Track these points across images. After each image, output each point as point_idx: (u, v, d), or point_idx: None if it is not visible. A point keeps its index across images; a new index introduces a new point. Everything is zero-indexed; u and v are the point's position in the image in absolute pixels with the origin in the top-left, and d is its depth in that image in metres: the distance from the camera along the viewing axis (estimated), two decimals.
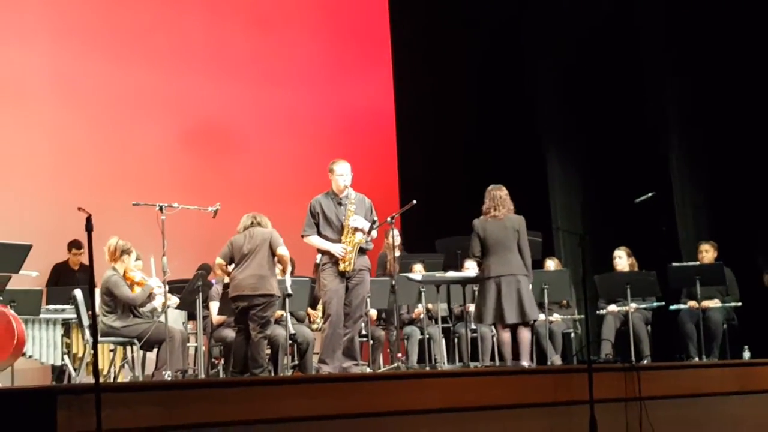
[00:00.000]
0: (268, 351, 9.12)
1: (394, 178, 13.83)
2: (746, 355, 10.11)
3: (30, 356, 9.54)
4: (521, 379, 7.39)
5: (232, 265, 8.81)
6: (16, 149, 11.42)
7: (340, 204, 8.76)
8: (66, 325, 9.83)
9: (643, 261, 10.70)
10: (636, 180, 11.71)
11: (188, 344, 9.77)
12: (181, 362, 8.97)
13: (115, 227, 9.00)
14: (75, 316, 9.37)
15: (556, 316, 10.83)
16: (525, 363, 8.77)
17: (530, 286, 9.03)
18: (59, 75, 11.85)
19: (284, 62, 13.47)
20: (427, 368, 9.78)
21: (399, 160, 14.04)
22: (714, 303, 10.40)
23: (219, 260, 8.84)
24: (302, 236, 8.85)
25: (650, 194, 10.30)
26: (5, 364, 8.86)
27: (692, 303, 10.37)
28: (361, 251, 8.75)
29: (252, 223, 8.81)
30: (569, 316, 10.99)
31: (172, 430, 5.66)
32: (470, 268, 10.53)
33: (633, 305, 10.19)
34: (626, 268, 10.60)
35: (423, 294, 10.07)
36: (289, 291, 8.97)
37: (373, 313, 10.39)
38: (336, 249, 8.60)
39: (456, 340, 10.81)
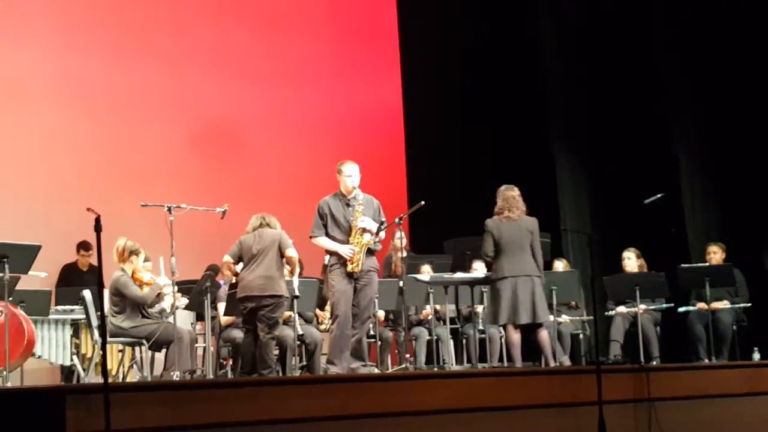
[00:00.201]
0: (277, 352, 9.12)
1: (403, 179, 13.82)
2: (756, 356, 10.08)
3: (39, 356, 9.58)
4: (529, 380, 7.38)
5: (240, 265, 8.81)
6: (25, 150, 11.44)
7: (348, 205, 8.75)
8: (75, 325, 9.86)
9: (652, 262, 10.68)
10: (645, 181, 11.69)
11: (196, 345, 9.78)
12: (190, 363, 8.98)
13: (123, 228, 9.01)
14: (84, 316, 9.39)
15: (564, 318, 10.82)
16: (564, 359, 9.03)
17: (542, 288, 9.03)
18: (68, 76, 11.87)
19: (293, 62, 13.47)
20: (435, 369, 9.77)
21: (407, 161, 14.03)
22: (723, 304, 10.38)
23: (227, 258, 8.85)
24: (310, 237, 8.85)
25: (659, 195, 10.29)
26: (15, 364, 8.89)
27: (701, 304, 10.34)
28: (369, 252, 8.74)
29: (261, 223, 8.83)
30: (578, 318, 10.98)
31: (181, 430, 5.67)
32: (478, 269, 10.53)
33: (642, 306, 10.17)
34: (635, 270, 10.58)
35: (431, 295, 10.06)
36: (296, 293, 8.97)
37: (381, 314, 10.39)
38: (344, 250, 8.59)
39: (464, 341, 10.80)
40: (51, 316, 9.67)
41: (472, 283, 9.82)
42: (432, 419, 6.64)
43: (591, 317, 10.69)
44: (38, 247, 8.32)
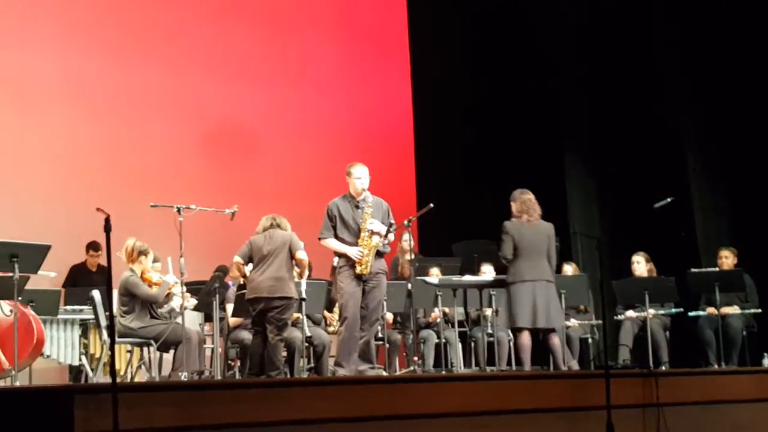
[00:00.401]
0: (285, 353, 9.12)
1: (412, 181, 13.81)
2: (766, 362, 10.05)
3: (48, 356, 9.60)
4: (538, 383, 7.36)
5: (250, 265, 8.81)
6: (35, 151, 11.47)
7: (357, 207, 8.75)
8: (84, 325, 9.88)
9: (661, 266, 10.65)
10: (654, 184, 11.66)
11: (205, 346, 9.79)
12: (198, 364, 8.99)
13: (133, 228, 9.02)
14: (93, 316, 9.40)
15: (573, 322, 10.79)
16: (573, 363, 9.01)
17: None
18: (76, 78, 11.88)
19: (302, 65, 13.48)
20: (443, 372, 9.76)
21: (416, 164, 14.02)
22: (733, 309, 10.34)
23: (237, 258, 8.86)
24: (319, 239, 8.85)
25: (669, 199, 10.25)
26: (24, 364, 8.92)
27: (711, 309, 10.31)
28: (378, 254, 8.74)
29: (272, 224, 8.83)
30: (587, 322, 10.95)
31: (188, 430, 5.67)
32: (487, 272, 10.53)
33: (651, 311, 10.14)
34: (644, 274, 10.55)
35: (440, 298, 10.04)
36: (303, 295, 8.96)
37: (390, 316, 10.38)
38: (353, 252, 8.60)
39: (472, 344, 10.78)
40: (60, 316, 9.70)
41: (481, 286, 9.82)
42: (440, 422, 6.64)
43: (600, 321, 10.67)
44: (48, 247, 8.33)
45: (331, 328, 10.06)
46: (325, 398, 6.28)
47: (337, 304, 9.31)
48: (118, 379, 8.51)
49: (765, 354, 10.11)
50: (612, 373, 7.09)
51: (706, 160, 12.33)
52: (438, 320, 10.44)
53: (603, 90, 12.92)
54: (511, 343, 10.67)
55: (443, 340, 10.50)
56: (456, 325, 10.33)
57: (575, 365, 10.45)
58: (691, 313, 10.52)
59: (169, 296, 9.08)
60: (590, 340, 11.03)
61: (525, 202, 8.99)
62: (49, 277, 9.42)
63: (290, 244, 8.70)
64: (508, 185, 11.59)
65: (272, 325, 8.61)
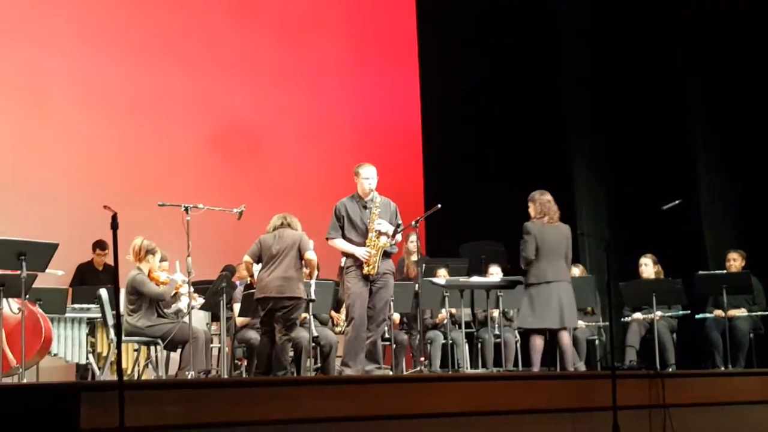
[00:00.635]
0: (291, 353, 9.13)
1: (419, 182, 13.82)
2: None
3: (55, 354, 9.62)
4: (544, 384, 7.36)
5: (259, 265, 8.83)
6: (44, 150, 11.50)
7: (365, 207, 8.75)
8: (91, 324, 9.90)
9: (669, 269, 10.64)
10: (663, 187, 11.65)
11: (212, 345, 9.80)
12: (205, 363, 9.00)
13: (140, 227, 9.02)
14: (100, 315, 9.42)
15: (580, 323, 10.77)
16: (580, 364, 9.13)
17: None
18: (85, 76, 11.91)
19: (311, 65, 13.49)
20: (450, 373, 9.76)
21: (424, 164, 14.03)
22: (741, 312, 10.34)
23: (247, 258, 8.88)
24: (327, 239, 8.86)
25: (677, 201, 10.25)
26: (31, 362, 8.94)
27: (719, 312, 10.30)
28: (386, 255, 8.74)
29: (282, 223, 8.83)
30: (594, 323, 10.94)
31: (194, 428, 5.67)
32: (494, 273, 10.53)
33: (658, 313, 10.14)
34: (652, 276, 10.55)
35: (447, 299, 10.04)
36: (312, 296, 8.95)
37: (397, 316, 10.39)
38: (360, 252, 8.60)
39: (479, 345, 10.77)
40: (67, 315, 9.71)
41: (488, 287, 9.83)
42: (445, 422, 6.63)
43: (607, 323, 10.67)
44: (56, 245, 8.35)
45: (338, 329, 10.06)
46: (331, 397, 6.28)
47: (344, 305, 9.31)
48: (125, 378, 8.53)
49: None
50: (618, 374, 7.09)
51: (715, 162, 12.31)
52: (445, 321, 10.44)
53: (612, 91, 12.89)
54: (518, 345, 10.70)
55: (450, 341, 10.49)
56: (463, 326, 10.33)
57: (582, 366, 10.44)
58: (698, 316, 10.52)
59: (176, 296, 9.09)
60: (597, 342, 11.03)
61: (544, 203, 9.03)
62: (56, 275, 9.43)
63: (299, 244, 8.70)
64: (517, 186, 11.60)
65: (280, 324, 8.62)
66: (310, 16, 13.64)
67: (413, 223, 9.17)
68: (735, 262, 10.55)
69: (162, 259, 9.11)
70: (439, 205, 9.06)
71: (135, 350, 9.75)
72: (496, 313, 10.45)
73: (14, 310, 8.56)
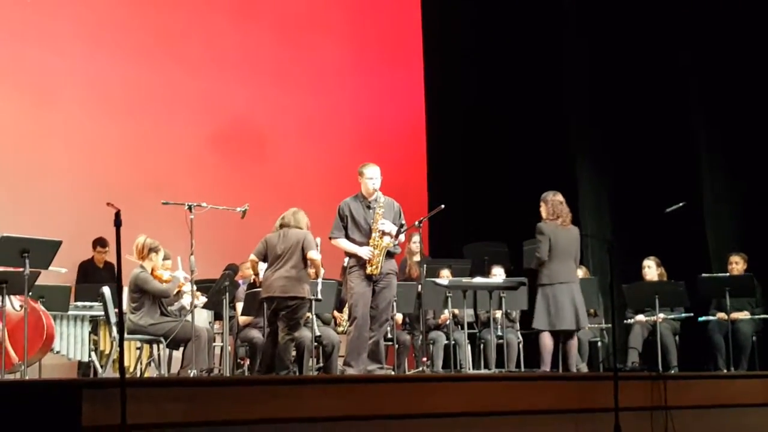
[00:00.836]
0: (294, 353, 9.13)
1: (423, 182, 13.82)
2: None
3: (58, 352, 9.61)
4: (547, 385, 7.36)
5: (265, 264, 8.83)
6: (48, 148, 11.51)
7: (368, 207, 8.75)
8: (94, 321, 9.89)
9: (672, 271, 10.64)
10: (666, 189, 11.65)
11: (214, 344, 9.80)
12: (207, 361, 8.99)
13: (144, 226, 9.03)
14: (103, 313, 9.42)
15: None
16: (582, 366, 9.21)
17: None
18: (88, 76, 11.92)
19: (315, 65, 13.50)
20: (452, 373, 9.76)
21: (428, 165, 14.03)
22: (743, 315, 10.34)
23: (252, 257, 8.89)
24: (330, 239, 8.86)
25: (681, 204, 10.25)
26: (34, 359, 8.94)
27: (721, 314, 10.30)
28: (389, 255, 8.74)
29: (288, 222, 8.80)
30: (596, 325, 10.94)
31: (196, 426, 5.67)
32: (497, 274, 10.53)
33: (661, 315, 10.13)
34: (655, 278, 10.55)
35: (449, 299, 10.03)
36: (319, 296, 8.95)
37: (399, 317, 10.38)
38: (363, 252, 8.60)
39: (482, 346, 10.78)
40: (70, 312, 9.70)
41: (491, 288, 9.82)
42: (447, 422, 6.64)
43: (609, 325, 10.67)
44: (59, 243, 8.35)
45: (340, 328, 10.06)
46: (333, 397, 6.28)
47: (347, 304, 9.32)
48: (127, 376, 8.53)
49: None
50: (620, 376, 7.09)
51: (718, 164, 12.30)
52: (447, 322, 10.44)
53: (614, 92, 12.87)
54: (521, 346, 10.70)
55: (452, 342, 10.49)
56: (465, 326, 10.32)
57: (584, 368, 10.45)
58: (701, 318, 10.52)
59: (179, 294, 9.09)
60: (600, 344, 11.03)
61: (556, 204, 9.08)
62: (60, 272, 9.43)
63: (303, 244, 8.68)
64: (520, 187, 11.64)
65: (283, 324, 8.62)
66: (313, 15, 13.64)
67: (416, 223, 9.18)
68: (738, 264, 10.56)
69: (165, 258, 9.11)
70: (443, 206, 9.06)
71: (137, 348, 9.76)
72: (498, 314, 10.44)
73: (16, 308, 8.56)
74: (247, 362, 9.88)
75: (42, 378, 9.19)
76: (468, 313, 10.33)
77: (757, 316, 10.34)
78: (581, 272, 11.03)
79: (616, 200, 12.89)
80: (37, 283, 8.49)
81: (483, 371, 10.42)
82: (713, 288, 10.20)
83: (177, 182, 11.78)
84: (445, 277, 10.28)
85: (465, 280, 9.85)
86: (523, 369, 10.45)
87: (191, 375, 8.42)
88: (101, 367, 9.63)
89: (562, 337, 8.96)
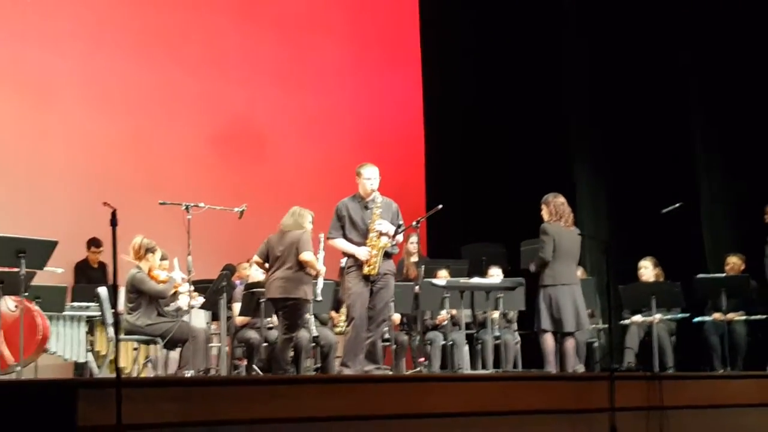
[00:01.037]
0: (291, 353, 9.13)
1: (421, 183, 13.83)
2: None
3: (53, 352, 9.60)
4: (543, 385, 7.37)
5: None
6: (43, 147, 11.52)
7: (366, 207, 8.74)
8: (90, 322, 9.89)
9: (668, 271, 10.65)
10: (663, 189, 11.65)
11: (211, 344, 9.80)
12: (204, 362, 9.00)
13: (140, 226, 9.03)
14: (99, 313, 9.41)
15: None
16: (579, 367, 9.09)
17: None
18: (87, 75, 11.93)
19: (313, 65, 13.51)
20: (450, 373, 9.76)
21: (426, 165, 14.03)
22: (739, 315, 10.35)
23: (256, 258, 8.93)
24: (327, 239, 8.86)
25: (678, 204, 10.26)
26: (29, 360, 8.92)
27: (717, 315, 10.31)
28: (386, 255, 8.74)
29: (287, 223, 8.84)
30: (593, 326, 10.94)
31: (192, 426, 5.67)
32: (495, 275, 10.53)
33: (657, 316, 10.14)
34: (651, 279, 10.56)
35: (447, 300, 10.03)
36: (319, 297, 8.95)
37: (397, 317, 10.39)
38: (361, 252, 8.59)
39: (479, 346, 10.77)
40: (66, 313, 9.70)
41: (489, 288, 9.82)
42: (445, 422, 6.64)
43: (606, 325, 10.67)
44: (55, 243, 8.33)
45: (337, 329, 10.06)
46: (330, 397, 6.28)
47: (344, 305, 9.32)
48: (124, 376, 8.52)
49: None
50: (616, 376, 7.10)
51: (715, 165, 12.31)
52: (445, 322, 10.43)
53: (612, 93, 12.89)
54: (518, 346, 10.71)
55: (450, 342, 10.49)
56: (463, 327, 10.33)
57: (581, 368, 10.45)
58: (697, 319, 10.53)
59: (176, 294, 9.09)
60: (596, 344, 11.03)
61: (558, 206, 9.09)
62: (56, 273, 9.42)
63: (297, 245, 8.70)
64: (518, 188, 11.64)
65: (281, 324, 8.66)
66: (312, 16, 13.65)
67: (414, 223, 9.17)
68: (734, 265, 10.56)
69: (162, 258, 9.11)
70: (441, 206, 9.06)
71: (134, 349, 9.73)
72: (496, 314, 10.44)
73: (12, 308, 8.55)
74: (244, 363, 9.88)
75: (38, 378, 9.17)
76: (465, 313, 10.34)
77: (753, 317, 10.35)
78: (579, 273, 11.05)
79: (614, 200, 12.90)
80: (32, 283, 8.48)
81: (480, 372, 10.42)
82: (709, 289, 10.21)
83: (174, 182, 11.79)
84: (442, 277, 10.27)
85: (462, 280, 9.85)
86: (520, 369, 10.44)
87: (188, 375, 8.42)
88: (98, 367, 9.63)
89: (559, 337, 8.97)
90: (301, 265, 8.71)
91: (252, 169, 12.72)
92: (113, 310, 8.76)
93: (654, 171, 12.28)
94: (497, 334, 10.48)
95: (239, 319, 9.72)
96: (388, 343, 10.07)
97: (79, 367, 10.01)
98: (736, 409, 7.85)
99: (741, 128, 12.00)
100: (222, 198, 9.75)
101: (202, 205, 8.82)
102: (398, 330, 10.59)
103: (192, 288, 8.89)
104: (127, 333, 8.67)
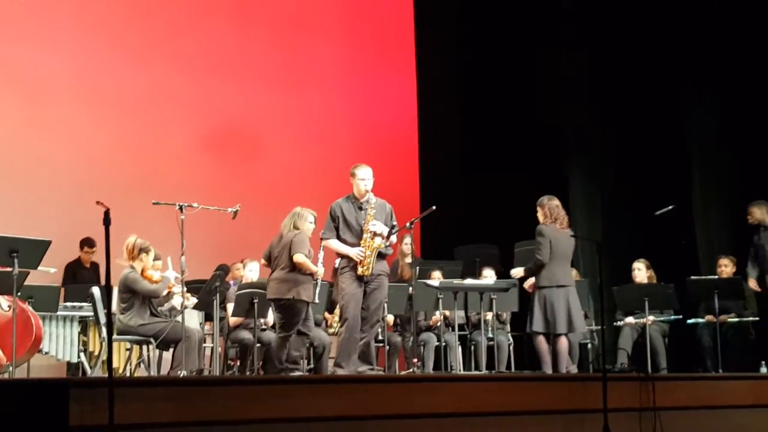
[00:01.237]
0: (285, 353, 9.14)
1: (415, 184, 13.83)
2: (763, 370, 10.05)
3: (46, 353, 9.59)
4: (536, 385, 7.36)
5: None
6: (37, 147, 11.50)
7: (360, 208, 8.74)
8: (83, 322, 9.88)
9: (661, 274, 10.67)
10: (657, 192, 11.67)
11: (204, 345, 9.79)
12: (197, 362, 8.97)
13: (134, 226, 9.01)
14: (92, 313, 9.40)
15: None
16: (572, 368, 9.17)
17: None
18: (81, 75, 11.92)
19: (308, 66, 13.51)
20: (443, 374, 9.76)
21: (420, 166, 14.04)
22: (732, 317, 10.37)
23: (262, 260, 9.02)
24: (321, 239, 8.86)
25: (670, 207, 10.28)
26: (22, 360, 8.90)
27: (710, 317, 10.33)
28: (380, 256, 8.73)
29: (284, 225, 8.88)
30: (586, 327, 10.94)
31: (185, 426, 5.66)
32: (488, 276, 10.54)
33: (650, 317, 10.16)
34: (645, 281, 10.59)
35: (440, 301, 10.04)
36: (315, 299, 8.94)
37: (390, 318, 10.39)
38: (354, 252, 8.59)
39: (472, 347, 10.79)
40: (59, 313, 9.69)
41: (482, 289, 9.83)
42: (438, 423, 6.64)
43: (599, 327, 10.68)
44: (48, 243, 8.31)
45: (331, 330, 10.06)
46: (324, 397, 6.27)
47: (337, 305, 9.31)
48: (116, 376, 8.51)
49: (762, 362, 10.09)
50: (609, 377, 7.10)
51: (709, 168, 12.33)
52: (438, 323, 10.44)
53: (607, 95, 12.92)
54: (511, 348, 10.72)
55: (443, 344, 10.50)
56: (456, 328, 10.33)
57: (574, 370, 10.46)
58: (690, 321, 10.55)
59: (169, 294, 9.08)
60: (589, 346, 11.04)
61: (553, 208, 9.11)
62: (49, 273, 9.41)
63: (290, 247, 8.72)
64: (512, 190, 11.64)
65: (276, 324, 8.72)
66: (307, 17, 13.65)
67: (408, 224, 9.17)
68: (726, 267, 10.60)
69: (155, 258, 9.09)
70: (434, 207, 9.06)
71: (127, 349, 9.72)
72: (489, 315, 10.45)
73: (4, 308, 8.54)
74: (238, 363, 9.87)
75: (30, 378, 9.16)
76: (459, 314, 10.33)
77: (745, 319, 10.36)
78: (573, 274, 11.06)
79: (607, 203, 12.92)
80: (25, 283, 8.46)
81: (474, 373, 10.42)
82: (702, 290, 10.22)
83: (168, 182, 11.78)
84: (436, 278, 10.29)
85: (456, 281, 9.85)
86: (513, 371, 10.44)
87: (180, 376, 8.41)
88: (90, 368, 9.61)
89: (552, 338, 8.98)
90: (295, 266, 8.71)
91: (245, 169, 12.71)
92: (106, 311, 8.74)
93: (648, 173, 12.30)
94: (490, 335, 10.50)
95: (233, 320, 9.72)
96: (381, 344, 10.07)
97: (72, 367, 9.99)
98: (728, 410, 7.86)
99: (734, 132, 12.03)
100: (215, 198, 9.72)
101: (195, 205, 8.79)
102: (392, 331, 10.59)
103: (185, 288, 8.88)
104: (120, 333, 8.65)
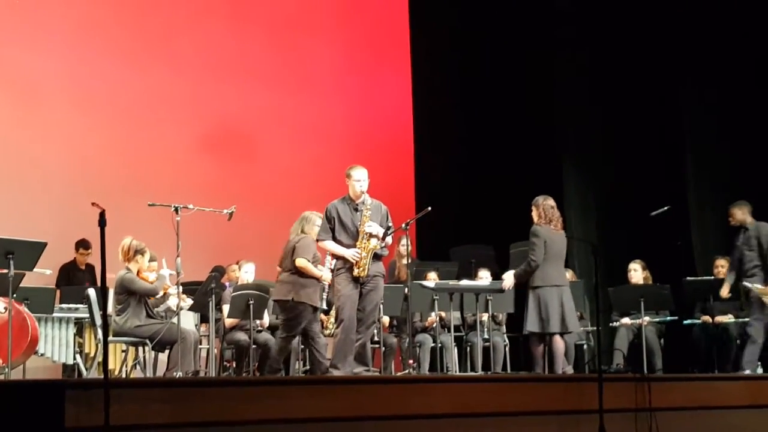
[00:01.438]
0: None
1: (411, 185, 13.84)
2: (759, 371, 10.06)
3: (42, 354, 9.58)
4: (532, 386, 7.36)
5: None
6: (32, 149, 11.50)
7: (356, 210, 8.74)
8: (79, 324, 9.87)
9: (657, 274, 10.68)
10: (653, 192, 11.68)
11: (200, 346, 9.78)
12: (193, 364, 8.97)
13: (130, 227, 9.01)
14: (88, 315, 9.39)
15: None
16: (568, 369, 9.15)
17: None
18: (76, 76, 11.92)
19: (302, 67, 13.51)
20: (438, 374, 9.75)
21: (415, 167, 14.05)
22: (728, 318, 10.38)
23: (279, 267, 9.11)
24: (317, 241, 8.87)
25: (666, 208, 10.29)
26: (18, 362, 8.90)
27: (706, 317, 10.34)
28: (376, 257, 8.73)
29: (293, 230, 8.98)
30: (582, 328, 10.95)
31: (180, 427, 5.65)
32: (484, 277, 10.54)
33: (646, 318, 10.17)
34: (641, 281, 10.60)
35: (436, 302, 10.04)
36: (323, 305, 8.99)
37: (386, 319, 10.39)
38: (350, 254, 8.59)
39: (468, 349, 10.79)
40: (55, 314, 9.68)
41: (478, 290, 9.83)
42: (433, 423, 6.63)
43: (595, 328, 10.69)
44: (44, 244, 8.31)
45: (327, 331, 10.04)
46: (320, 398, 6.27)
47: (333, 307, 9.31)
48: (112, 378, 8.51)
49: (758, 363, 10.10)
50: (605, 378, 7.09)
51: (705, 169, 12.34)
52: (434, 324, 10.44)
53: (602, 96, 12.93)
54: (507, 348, 10.72)
55: (439, 345, 10.49)
56: (452, 329, 10.34)
57: (570, 370, 10.46)
58: (686, 321, 10.56)
59: (165, 295, 9.08)
60: (585, 347, 11.05)
61: (548, 209, 9.13)
62: (45, 274, 9.40)
63: (293, 251, 8.77)
64: (507, 191, 11.64)
65: (280, 325, 8.79)
66: (303, 18, 13.65)
67: (404, 225, 9.17)
68: (722, 268, 10.60)
69: (151, 260, 9.10)
70: (430, 208, 9.06)
71: (123, 351, 9.72)
72: (485, 316, 10.46)
73: (0, 310, 8.53)
74: (233, 365, 9.87)
75: (25, 379, 9.15)
76: (455, 315, 10.35)
77: (741, 320, 10.37)
78: (567, 275, 11.06)
79: (603, 203, 12.93)
80: (21, 285, 8.46)
81: (469, 374, 10.42)
82: (698, 291, 10.24)
83: (164, 183, 11.78)
84: (431, 279, 10.30)
85: (452, 282, 9.86)
86: (509, 371, 10.44)
87: (177, 377, 8.41)
88: (86, 369, 9.61)
89: (547, 339, 9.00)
90: (298, 270, 8.77)
91: (241, 170, 12.71)
92: (102, 312, 8.74)
93: (643, 174, 12.31)
94: (486, 336, 10.50)
95: (228, 321, 9.72)
96: (377, 345, 10.07)
97: (68, 369, 9.99)
98: (724, 410, 7.86)
99: (730, 132, 12.04)
100: (211, 200, 9.73)
101: (191, 206, 8.80)
102: (388, 332, 10.59)
103: (181, 289, 8.87)
104: (116, 335, 8.65)
